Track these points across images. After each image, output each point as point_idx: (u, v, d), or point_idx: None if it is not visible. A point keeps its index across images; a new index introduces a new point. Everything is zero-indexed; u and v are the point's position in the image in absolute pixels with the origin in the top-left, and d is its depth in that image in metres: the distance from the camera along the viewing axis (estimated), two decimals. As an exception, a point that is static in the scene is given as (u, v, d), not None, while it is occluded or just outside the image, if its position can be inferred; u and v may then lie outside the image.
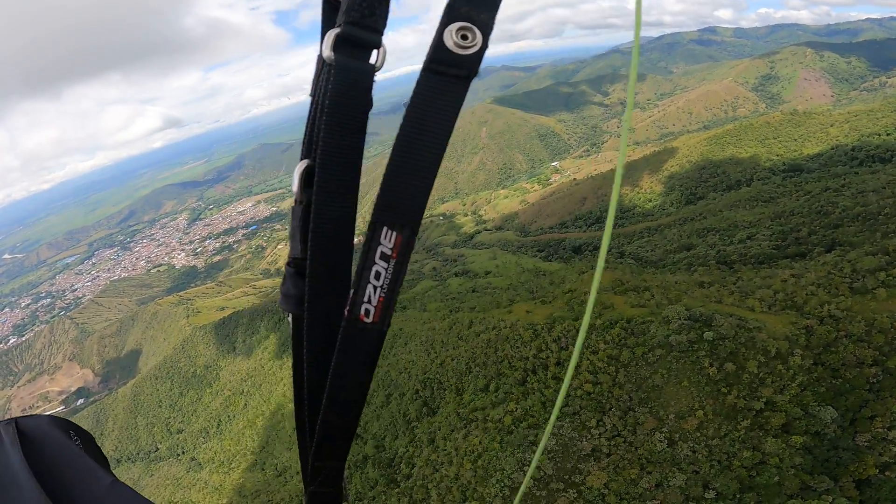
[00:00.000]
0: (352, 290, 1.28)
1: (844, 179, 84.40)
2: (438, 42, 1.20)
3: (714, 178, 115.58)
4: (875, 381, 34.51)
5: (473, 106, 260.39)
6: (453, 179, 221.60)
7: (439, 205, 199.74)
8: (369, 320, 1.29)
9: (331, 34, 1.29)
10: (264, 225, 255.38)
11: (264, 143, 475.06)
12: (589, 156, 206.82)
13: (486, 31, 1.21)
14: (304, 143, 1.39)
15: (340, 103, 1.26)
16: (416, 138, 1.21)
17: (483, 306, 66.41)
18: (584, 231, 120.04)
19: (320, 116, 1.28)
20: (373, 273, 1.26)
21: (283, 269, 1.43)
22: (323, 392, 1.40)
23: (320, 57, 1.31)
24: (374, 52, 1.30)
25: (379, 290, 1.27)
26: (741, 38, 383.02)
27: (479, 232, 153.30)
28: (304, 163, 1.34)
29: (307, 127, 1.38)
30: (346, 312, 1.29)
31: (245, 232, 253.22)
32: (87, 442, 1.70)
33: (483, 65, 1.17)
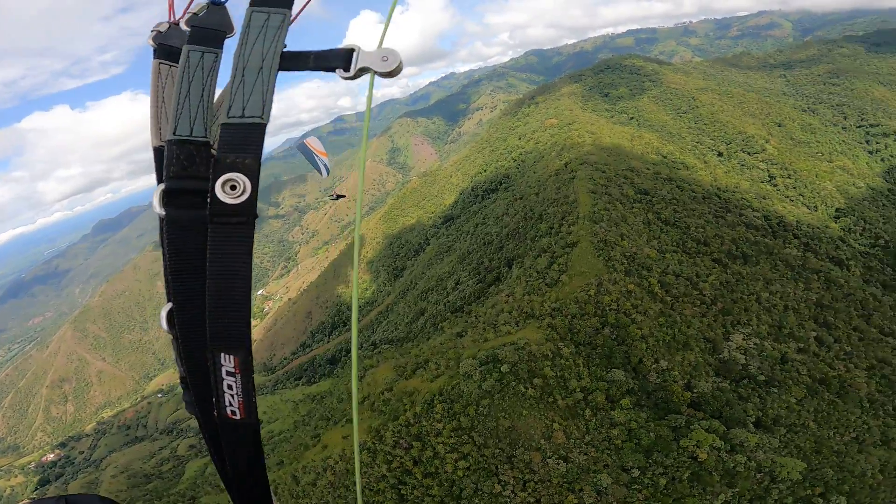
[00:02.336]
0: (214, 399, 1.54)
1: (481, 213, 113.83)
2: (213, 197, 1.39)
3: (403, 249, 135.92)
4: (614, 337, 48.83)
5: (131, 261, 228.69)
6: (147, 353, 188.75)
7: (147, 383, 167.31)
8: (237, 417, 1.57)
9: (157, 191, 1.47)
10: None
11: None
12: (290, 271, 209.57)
13: (253, 176, 1.40)
14: (165, 284, 1.59)
15: (179, 255, 1.47)
16: (223, 279, 1.41)
17: (290, 456, 59.24)
18: (328, 341, 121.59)
19: (166, 265, 1.51)
20: (224, 385, 1.52)
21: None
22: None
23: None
24: (206, 196, 1.46)
25: (236, 396, 1.55)
26: (362, 122, 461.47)
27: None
28: (167, 306, 1.57)
29: (165, 274, 1.58)
30: (216, 414, 1.56)
31: None
32: None
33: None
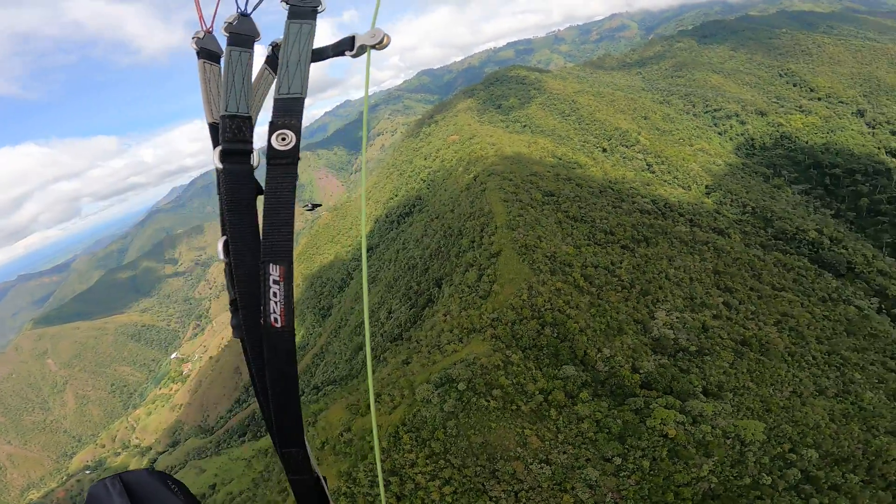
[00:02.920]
0: (262, 307, 1.96)
1: (400, 239, 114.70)
2: (269, 145, 1.99)
3: (325, 287, 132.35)
4: (556, 335, 51.44)
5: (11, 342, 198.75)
6: (58, 432, 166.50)
7: (68, 462, 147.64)
8: (279, 325, 1.96)
9: (216, 151, 2.08)
10: None
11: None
12: (204, 330, 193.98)
13: (297, 131, 2.00)
14: (221, 223, 2.09)
15: (233, 197, 2.04)
16: (276, 205, 1.95)
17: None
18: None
19: (225, 205, 2.04)
20: (271, 293, 1.95)
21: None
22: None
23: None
24: (251, 155, 2.09)
25: (279, 303, 1.95)
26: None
27: (154, 460, 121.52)
28: (223, 238, 2.07)
29: (220, 212, 2.09)
30: (262, 322, 1.97)
31: None
32: (185, 492, 2.04)
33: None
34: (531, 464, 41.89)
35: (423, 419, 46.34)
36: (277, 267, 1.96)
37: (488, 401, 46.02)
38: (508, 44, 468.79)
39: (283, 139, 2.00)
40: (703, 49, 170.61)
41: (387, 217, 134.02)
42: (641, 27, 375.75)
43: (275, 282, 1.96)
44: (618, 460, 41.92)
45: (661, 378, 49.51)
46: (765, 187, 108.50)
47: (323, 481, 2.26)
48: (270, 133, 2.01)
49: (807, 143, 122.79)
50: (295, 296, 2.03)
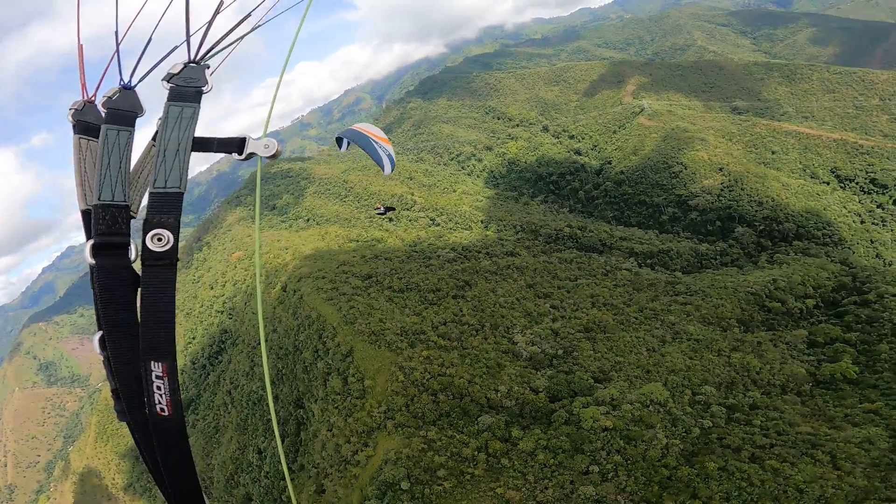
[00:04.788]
0: (146, 398, 2.02)
1: (222, 382, 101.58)
2: (144, 246, 1.97)
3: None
4: (452, 396, 51.82)
5: None
6: None
7: None
8: (166, 414, 2.02)
9: (87, 245, 2.02)
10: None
11: None
12: None
13: (174, 230, 1.96)
14: (95, 317, 2.09)
15: (108, 294, 2.01)
16: (154, 305, 1.94)
17: None
18: None
19: (98, 302, 2.03)
20: (154, 387, 2.00)
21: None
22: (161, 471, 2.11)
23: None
24: (129, 248, 2.03)
25: (164, 395, 2.02)
26: None
27: None
28: (99, 333, 2.08)
29: (95, 307, 2.09)
30: (147, 412, 2.02)
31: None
32: None
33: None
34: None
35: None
36: (160, 364, 2.02)
37: (441, 484, 44.71)
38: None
39: (160, 239, 1.99)
40: (430, 104, 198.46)
41: (193, 364, 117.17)
42: (374, 96, 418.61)
43: (157, 377, 2.03)
44: (595, 468, 42.11)
45: (559, 386, 53.41)
46: (518, 206, 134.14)
47: None
48: (145, 233, 2.01)
49: (526, 162, 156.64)
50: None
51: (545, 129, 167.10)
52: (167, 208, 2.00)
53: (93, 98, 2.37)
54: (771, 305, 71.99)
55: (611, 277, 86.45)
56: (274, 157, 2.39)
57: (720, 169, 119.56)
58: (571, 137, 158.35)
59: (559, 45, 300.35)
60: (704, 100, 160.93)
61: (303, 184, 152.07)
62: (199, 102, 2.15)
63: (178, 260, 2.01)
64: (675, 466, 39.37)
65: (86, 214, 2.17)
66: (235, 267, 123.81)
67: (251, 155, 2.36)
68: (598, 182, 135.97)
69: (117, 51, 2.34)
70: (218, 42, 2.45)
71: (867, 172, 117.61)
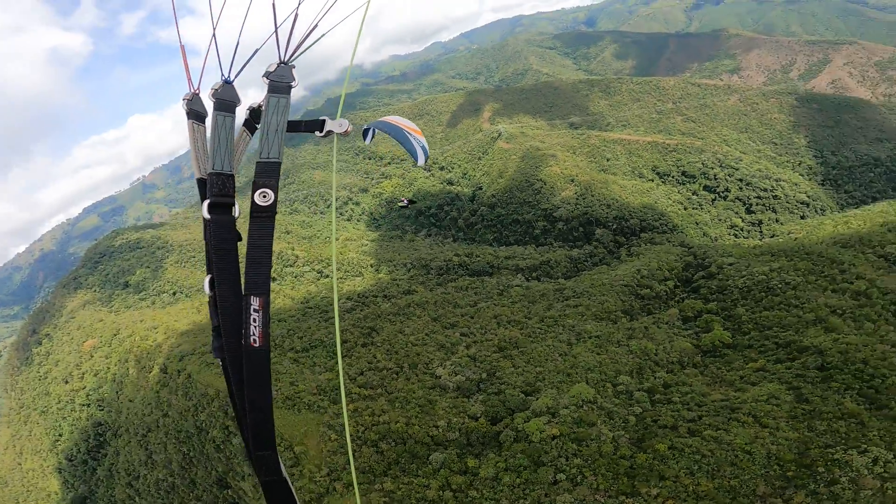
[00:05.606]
0: (243, 329, 2.40)
1: (114, 472, 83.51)
2: (252, 201, 2.43)
3: None
4: (391, 443, 49.13)
5: None
6: None
7: None
8: (257, 345, 2.40)
9: (205, 204, 2.55)
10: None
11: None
12: None
13: (275, 189, 2.44)
14: (206, 263, 2.57)
15: (219, 243, 2.50)
16: (256, 249, 2.40)
17: None
18: None
19: (211, 249, 2.52)
20: (251, 319, 2.38)
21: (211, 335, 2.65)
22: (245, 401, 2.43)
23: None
24: (234, 207, 2.55)
25: (258, 327, 2.39)
26: None
27: None
28: (209, 276, 2.55)
29: (206, 254, 2.58)
30: (243, 343, 2.40)
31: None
32: None
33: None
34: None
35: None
36: (257, 298, 2.41)
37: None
38: (86, 210, 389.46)
39: (264, 196, 2.47)
40: (296, 151, 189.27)
41: (71, 461, 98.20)
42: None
43: (255, 310, 2.40)
44: (561, 476, 42.04)
45: (495, 408, 53.91)
46: (404, 244, 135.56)
47: (289, 483, 2.63)
48: (253, 191, 2.48)
49: (403, 199, 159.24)
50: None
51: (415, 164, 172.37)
52: (269, 173, 2.48)
53: (198, 90, 2.93)
54: (642, 293, 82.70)
55: (506, 296, 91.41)
56: (345, 133, 2.94)
57: (571, 180, 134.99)
58: (442, 168, 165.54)
59: (417, 80, 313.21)
60: (547, 119, 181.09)
61: (159, 254, 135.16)
62: (289, 94, 2.65)
63: (276, 212, 2.45)
64: (632, 455, 41.43)
65: (200, 182, 2.72)
66: (92, 356, 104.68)
67: (329, 133, 2.94)
68: (474, 208, 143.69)
69: (216, 52, 2.95)
70: (300, 45, 2.93)
71: (678, 167, 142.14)
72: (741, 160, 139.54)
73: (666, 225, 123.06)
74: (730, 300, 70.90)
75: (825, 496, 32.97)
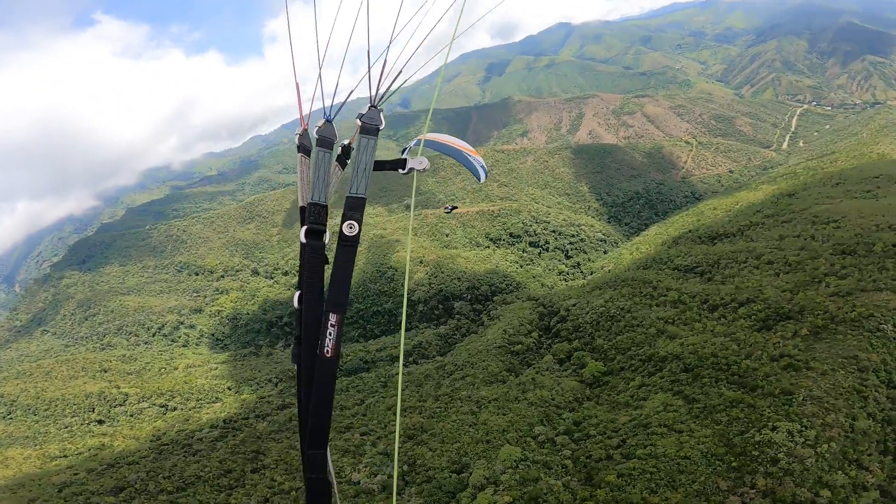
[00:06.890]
0: (319, 340, 2.74)
1: None
2: (341, 231, 2.78)
3: None
4: None
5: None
6: None
7: None
8: (329, 355, 2.72)
9: (303, 230, 2.90)
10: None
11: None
12: None
13: (360, 222, 2.78)
14: (298, 279, 2.91)
15: (311, 264, 2.86)
16: (339, 273, 2.72)
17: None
18: None
19: (303, 269, 2.90)
20: (328, 332, 2.70)
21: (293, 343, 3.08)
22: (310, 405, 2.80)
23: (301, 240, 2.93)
24: (325, 234, 2.92)
25: (332, 340, 2.71)
26: None
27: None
28: (298, 292, 2.93)
29: (299, 272, 2.93)
30: (318, 353, 2.74)
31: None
32: None
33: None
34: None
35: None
36: (335, 315, 2.79)
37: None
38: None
39: (351, 228, 2.84)
40: (95, 276, 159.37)
41: None
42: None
43: (332, 325, 2.78)
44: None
45: (434, 495, 51.81)
46: (262, 360, 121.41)
47: (333, 484, 3.01)
48: (342, 222, 2.87)
49: (248, 313, 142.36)
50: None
51: (255, 272, 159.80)
52: (357, 207, 2.84)
53: (307, 126, 3.32)
54: (515, 349, 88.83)
55: (391, 386, 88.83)
56: (424, 170, 3.44)
57: (420, 262, 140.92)
58: (286, 274, 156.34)
59: (240, 179, 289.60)
60: (384, 204, 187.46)
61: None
62: (377, 136, 3.04)
63: (359, 243, 2.83)
64: (592, 494, 42.28)
65: (301, 209, 3.07)
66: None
67: (411, 170, 3.43)
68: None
69: (322, 95, 3.33)
70: (387, 90, 3.32)
71: (505, 230, 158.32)
72: (549, 213, 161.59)
73: (511, 284, 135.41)
74: (587, 335, 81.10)
75: (779, 473, 37.30)
